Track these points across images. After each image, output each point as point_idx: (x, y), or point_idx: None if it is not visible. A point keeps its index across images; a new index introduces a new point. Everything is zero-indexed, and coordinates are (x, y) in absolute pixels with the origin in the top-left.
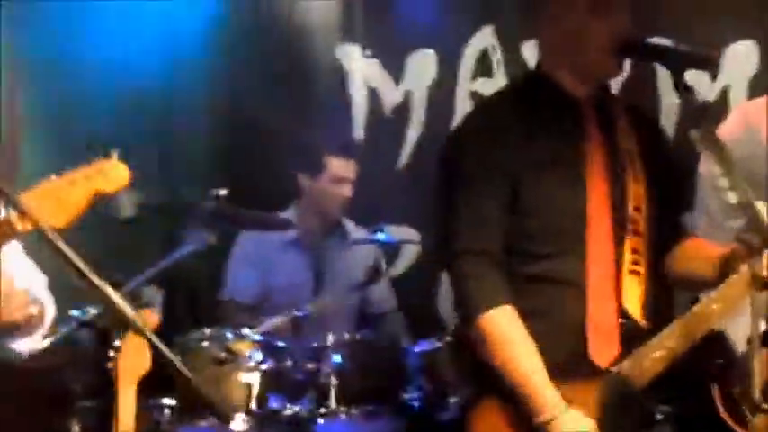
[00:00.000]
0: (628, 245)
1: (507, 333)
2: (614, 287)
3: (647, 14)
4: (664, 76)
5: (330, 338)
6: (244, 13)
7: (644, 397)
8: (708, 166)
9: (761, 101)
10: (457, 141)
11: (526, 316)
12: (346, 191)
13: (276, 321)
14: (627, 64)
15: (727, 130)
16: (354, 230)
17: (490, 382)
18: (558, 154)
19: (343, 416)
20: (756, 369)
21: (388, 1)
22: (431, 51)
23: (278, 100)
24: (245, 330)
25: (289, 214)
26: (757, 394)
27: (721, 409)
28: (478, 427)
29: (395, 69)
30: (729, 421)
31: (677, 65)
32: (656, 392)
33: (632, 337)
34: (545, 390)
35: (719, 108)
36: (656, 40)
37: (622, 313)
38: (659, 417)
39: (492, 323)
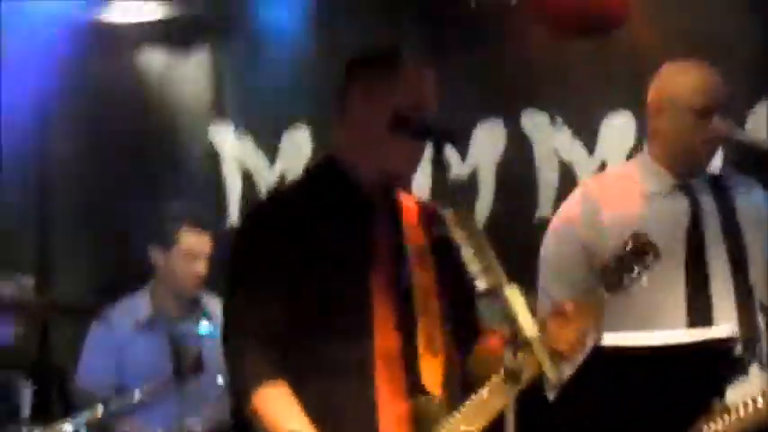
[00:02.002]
0: (420, 328)
1: (276, 408)
2: (404, 372)
3: (523, 85)
4: None
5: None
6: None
7: None
8: (544, 249)
9: (602, 176)
10: (243, 230)
11: (315, 409)
12: (200, 266)
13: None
14: None
15: (567, 207)
16: (216, 307)
17: None
18: (343, 249)
19: None
20: None
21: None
22: (306, 127)
23: (138, 178)
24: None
25: (143, 292)
26: None
27: None
28: None
29: (269, 148)
30: None
31: (438, 140)
32: None
33: (426, 415)
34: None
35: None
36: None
37: (418, 391)
38: None
39: (262, 400)
